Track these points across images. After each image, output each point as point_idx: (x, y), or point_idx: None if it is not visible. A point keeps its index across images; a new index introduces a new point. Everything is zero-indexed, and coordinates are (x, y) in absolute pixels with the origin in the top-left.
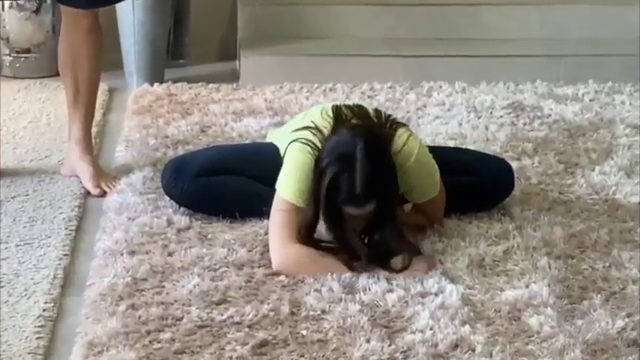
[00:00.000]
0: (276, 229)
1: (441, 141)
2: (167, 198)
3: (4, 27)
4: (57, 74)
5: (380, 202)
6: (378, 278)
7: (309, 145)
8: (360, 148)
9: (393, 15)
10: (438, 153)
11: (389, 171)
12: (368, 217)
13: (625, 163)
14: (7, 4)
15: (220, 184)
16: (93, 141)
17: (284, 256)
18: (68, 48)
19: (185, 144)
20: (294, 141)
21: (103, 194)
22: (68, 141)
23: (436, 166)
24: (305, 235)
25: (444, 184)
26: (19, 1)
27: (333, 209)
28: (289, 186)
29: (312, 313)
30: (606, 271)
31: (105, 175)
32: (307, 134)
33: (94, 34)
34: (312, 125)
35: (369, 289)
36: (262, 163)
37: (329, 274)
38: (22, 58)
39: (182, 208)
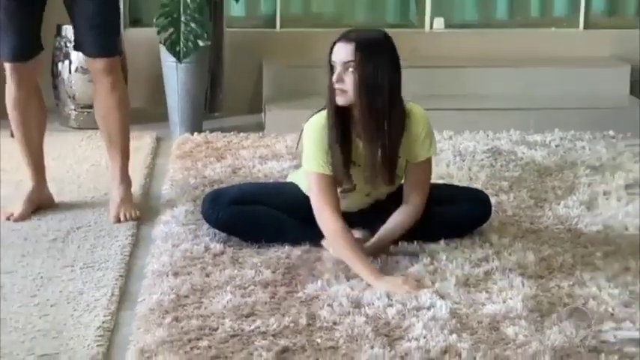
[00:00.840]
0: (313, 199)
1: (432, 179)
2: (205, 228)
3: (70, 87)
4: None
5: (366, 55)
6: (380, 295)
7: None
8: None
9: None
10: (431, 188)
11: (387, 56)
12: (351, 65)
13: (585, 198)
14: (73, 67)
15: (250, 211)
16: (143, 181)
17: (324, 229)
18: (98, 105)
19: (220, 183)
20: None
21: (117, 221)
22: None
23: (434, 144)
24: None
25: (435, 213)
26: (83, 66)
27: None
28: (307, 159)
29: (325, 324)
30: (570, 289)
31: (128, 206)
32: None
33: (116, 91)
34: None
35: (373, 304)
36: (284, 197)
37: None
38: (85, 113)
39: (217, 237)
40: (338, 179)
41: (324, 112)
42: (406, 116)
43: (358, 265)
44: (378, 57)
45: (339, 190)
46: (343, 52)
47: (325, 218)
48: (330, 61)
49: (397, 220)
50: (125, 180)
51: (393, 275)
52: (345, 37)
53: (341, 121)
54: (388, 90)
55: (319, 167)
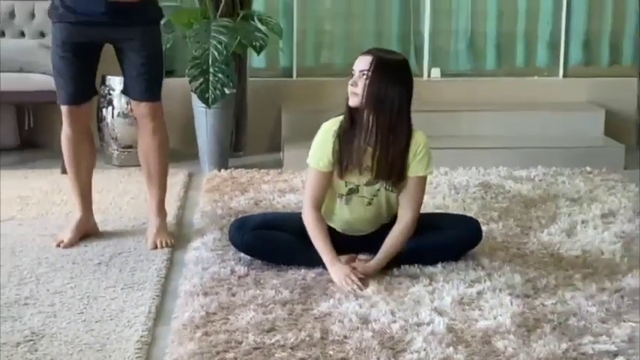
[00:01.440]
0: (305, 191)
1: (430, 209)
2: (230, 253)
3: (113, 129)
4: None
5: (380, 68)
6: (385, 312)
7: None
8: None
9: None
10: (429, 216)
11: (401, 77)
12: (365, 73)
13: (566, 226)
14: (115, 112)
15: (270, 236)
16: (177, 211)
17: (304, 218)
18: (141, 145)
19: (243, 214)
20: None
21: (154, 248)
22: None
23: (430, 165)
24: (323, 199)
25: (428, 240)
26: (124, 111)
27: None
28: (311, 155)
29: (336, 338)
30: (553, 307)
31: (164, 234)
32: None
33: (158, 134)
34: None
35: (379, 320)
36: (299, 225)
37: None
38: (126, 152)
39: (242, 261)
40: (341, 172)
41: (338, 118)
42: (411, 134)
43: (322, 250)
44: (389, 73)
45: (344, 190)
46: (362, 62)
47: (307, 208)
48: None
49: (392, 237)
50: (161, 212)
51: (395, 291)
52: (367, 51)
53: (353, 122)
54: (395, 105)
55: (317, 164)
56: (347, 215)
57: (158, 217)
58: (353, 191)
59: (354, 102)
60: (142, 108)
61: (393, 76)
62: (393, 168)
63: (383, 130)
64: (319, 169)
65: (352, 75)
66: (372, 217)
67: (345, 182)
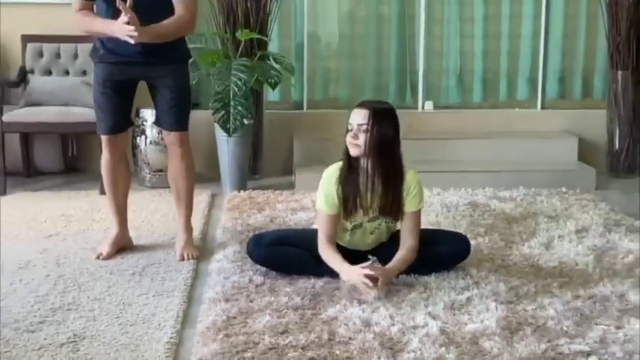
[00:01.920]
0: (318, 227)
1: (424, 226)
2: (248, 264)
3: (146, 156)
4: None
5: (377, 120)
6: (385, 316)
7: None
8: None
9: None
10: (424, 232)
11: (391, 123)
12: (365, 127)
13: (544, 240)
14: (148, 141)
15: (284, 251)
16: (202, 227)
17: (320, 252)
18: (171, 169)
19: (260, 229)
20: None
21: (182, 259)
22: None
23: (423, 200)
24: (335, 235)
25: (424, 253)
26: (155, 140)
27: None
28: (318, 200)
29: (342, 339)
30: (534, 312)
31: (190, 248)
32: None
33: (185, 159)
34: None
35: (379, 324)
36: (309, 240)
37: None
38: (157, 175)
39: (258, 271)
40: (346, 215)
41: (339, 163)
42: (404, 174)
43: (336, 263)
44: (385, 122)
45: (348, 226)
46: (360, 117)
47: (320, 241)
48: (348, 123)
49: (399, 259)
50: (188, 228)
51: (394, 298)
52: (362, 105)
53: (352, 168)
54: (390, 148)
55: (324, 207)
56: (352, 243)
57: (185, 233)
58: (357, 227)
59: (355, 153)
60: (171, 137)
61: (388, 124)
62: (392, 206)
63: (382, 174)
64: (327, 213)
65: (350, 129)
66: (373, 241)
67: (350, 221)
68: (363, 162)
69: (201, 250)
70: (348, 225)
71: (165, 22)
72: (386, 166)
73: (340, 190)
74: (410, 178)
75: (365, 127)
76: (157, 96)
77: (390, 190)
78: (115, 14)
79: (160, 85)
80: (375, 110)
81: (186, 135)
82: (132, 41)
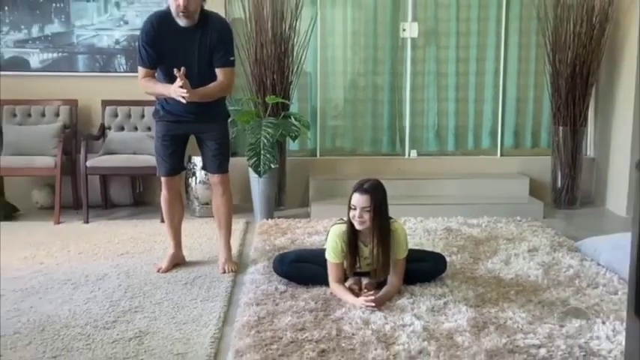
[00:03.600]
0: (329, 275)
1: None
2: (275, 276)
3: (195, 192)
4: None
5: (376, 202)
6: (380, 317)
7: (336, 224)
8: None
9: (387, 185)
10: (410, 252)
11: (383, 197)
12: (368, 209)
13: (504, 258)
14: (197, 181)
15: (302, 267)
16: (239, 248)
17: (331, 287)
18: (214, 202)
19: (283, 249)
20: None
21: (223, 272)
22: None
23: (407, 249)
24: (343, 276)
25: (410, 268)
26: (204, 180)
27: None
28: (328, 252)
29: (347, 334)
30: (496, 313)
31: (230, 262)
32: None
33: (225, 195)
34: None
35: (376, 322)
36: (322, 259)
37: (351, 308)
38: (205, 207)
39: (282, 282)
40: (349, 267)
41: (342, 226)
42: (393, 230)
43: (344, 297)
44: (380, 200)
45: (350, 271)
46: (362, 201)
47: (331, 282)
48: (350, 202)
49: (388, 289)
50: (228, 248)
51: (387, 303)
52: (361, 189)
53: (354, 235)
54: (384, 215)
55: (332, 258)
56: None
57: (226, 251)
58: (356, 273)
59: (362, 227)
60: (215, 178)
61: (382, 199)
62: (385, 259)
63: (379, 234)
64: (334, 262)
65: (354, 208)
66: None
67: (350, 271)
68: (364, 231)
69: (238, 265)
70: (349, 270)
71: (210, 85)
72: (380, 226)
73: (344, 248)
74: (397, 227)
75: (368, 208)
76: (203, 147)
77: (384, 250)
78: (171, 80)
79: (206, 138)
80: (373, 193)
81: (226, 176)
82: (184, 101)
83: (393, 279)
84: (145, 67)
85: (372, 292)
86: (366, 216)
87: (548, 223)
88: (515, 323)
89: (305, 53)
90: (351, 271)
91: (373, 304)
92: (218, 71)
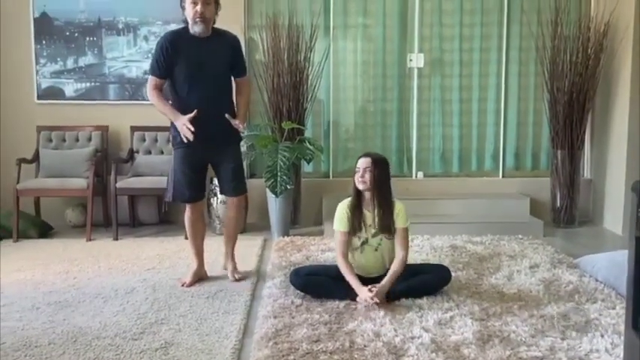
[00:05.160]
0: (335, 246)
1: (418, 262)
2: (291, 290)
3: (217, 211)
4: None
5: (376, 163)
6: (390, 329)
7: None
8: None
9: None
10: (417, 265)
11: (385, 166)
12: (370, 169)
13: (507, 273)
14: (218, 201)
15: (316, 280)
16: (257, 264)
17: (337, 262)
18: (228, 217)
19: (299, 264)
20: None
21: (234, 280)
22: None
23: (408, 220)
24: (347, 251)
25: (417, 280)
26: (224, 201)
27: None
28: (335, 223)
29: (359, 346)
30: (500, 327)
31: (237, 272)
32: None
33: (239, 212)
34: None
35: (386, 335)
36: (335, 273)
37: (363, 321)
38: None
39: (298, 295)
40: (354, 231)
41: (348, 199)
42: (393, 203)
43: (351, 280)
44: (381, 166)
45: (358, 243)
46: (364, 162)
47: (338, 256)
48: (355, 168)
49: (393, 268)
50: (233, 258)
51: (397, 316)
52: (365, 155)
53: (358, 200)
54: (385, 184)
55: (339, 227)
56: (363, 260)
57: (232, 262)
58: (364, 243)
59: (362, 187)
60: (231, 200)
61: (383, 167)
62: (386, 222)
63: (379, 202)
64: (340, 230)
65: (357, 171)
66: (378, 261)
67: (358, 237)
68: (366, 194)
69: (255, 280)
70: (357, 241)
71: (240, 104)
72: (382, 196)
73: (349, 213)
74: (397, 205)
75: (369, 168)
76: (220, 172)
77: (385, 212)
78: (184, 86)
79: (223, 161)
80: (374, 158)
81: (241, 198)
82: (190, 137)
83: (399, 252)
84: (156, 76)
85: (375, 289)
86: (367, 176)
87: (548, 241)
88: (519, 336)
89: (319, 82)
90: (357, 236)
91: (378, 300)
92: (239, 81)
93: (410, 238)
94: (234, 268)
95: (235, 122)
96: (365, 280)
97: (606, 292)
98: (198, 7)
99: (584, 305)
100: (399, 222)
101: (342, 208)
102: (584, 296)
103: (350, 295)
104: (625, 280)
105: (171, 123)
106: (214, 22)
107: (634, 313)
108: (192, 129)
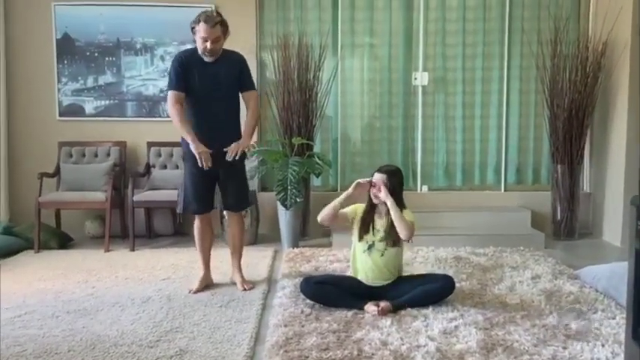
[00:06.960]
0: (338, 198)
1: (422, 272)
2: (301, 299)
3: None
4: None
5: (392, 178)
6: (397, 338)
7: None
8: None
9: None
10: (422, 276)
11: (400, 178)
12: (385, 187)
13: (509, 284)
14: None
15: (325, 289)
16: (268, 274)
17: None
18: (230, 231)
19: (308, 275)
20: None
21: (244, 290)
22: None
23: (414, 219)
24: (343, 224)
25: (422, 290)
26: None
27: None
28: (349, 209)
29: (367, 354)
30: (504, 336)
31: (245, 282)
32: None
33: (241, 224)
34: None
35: (393, 344)
36: (344, 283)
37: (370, 330)
38: None
39: (307, 304)
40: (363, 232)
41: (362, 205)
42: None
43: (187, 135)
44: (396, 178)
45: (366, 247)
46: (379, 178)
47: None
48: (371, 182)
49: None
50: (240, 269)
51: (403, 325)
52: (380, 170)
53: (372, 206)
54: (397, 192)
55: (346, 209)
56: (369, 264)
57: (239, 272)
58: (371, 247)
59: (377, 201)
60: (232, 214)
61: (397, 179)
62: (394, 229)
63: (392, 209)
64: (345, 211)
65: (374, 186)
66: (384, 267)
67: (365, 241)
68: (380, 205)
69: (266, 290)
70: (365, 245)
71: (248, 122)
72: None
73: (361, 216)
74: (407, 211)
75: (386, 184)
76: (223, 188)
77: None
78: (196, 108)
79: (228, 177)
80: (389, 173)
81: (241, 213)
82: (205, 167)
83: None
84: (175, 90)
85: (382, 305)
86: (383, 190)
87: (549, 253)
88: (522, 345)
89: (327, 99)
90: (365, 239)
91: (377, 314)
92: (246, 94)
93: (415, 250)
94: (243, 280)
95: (229, 155)
96: (368, 289)
97: (606, 303)
98: (208, 44)
99: (585, 316)
100: (407, 216)
101: (357, 207)
102: (585, 306)
103: (358, 305)
104: (625, 291)
105: (182, 138)
106: (222, 44)
107: (634, 323)
108: (210, 164)
